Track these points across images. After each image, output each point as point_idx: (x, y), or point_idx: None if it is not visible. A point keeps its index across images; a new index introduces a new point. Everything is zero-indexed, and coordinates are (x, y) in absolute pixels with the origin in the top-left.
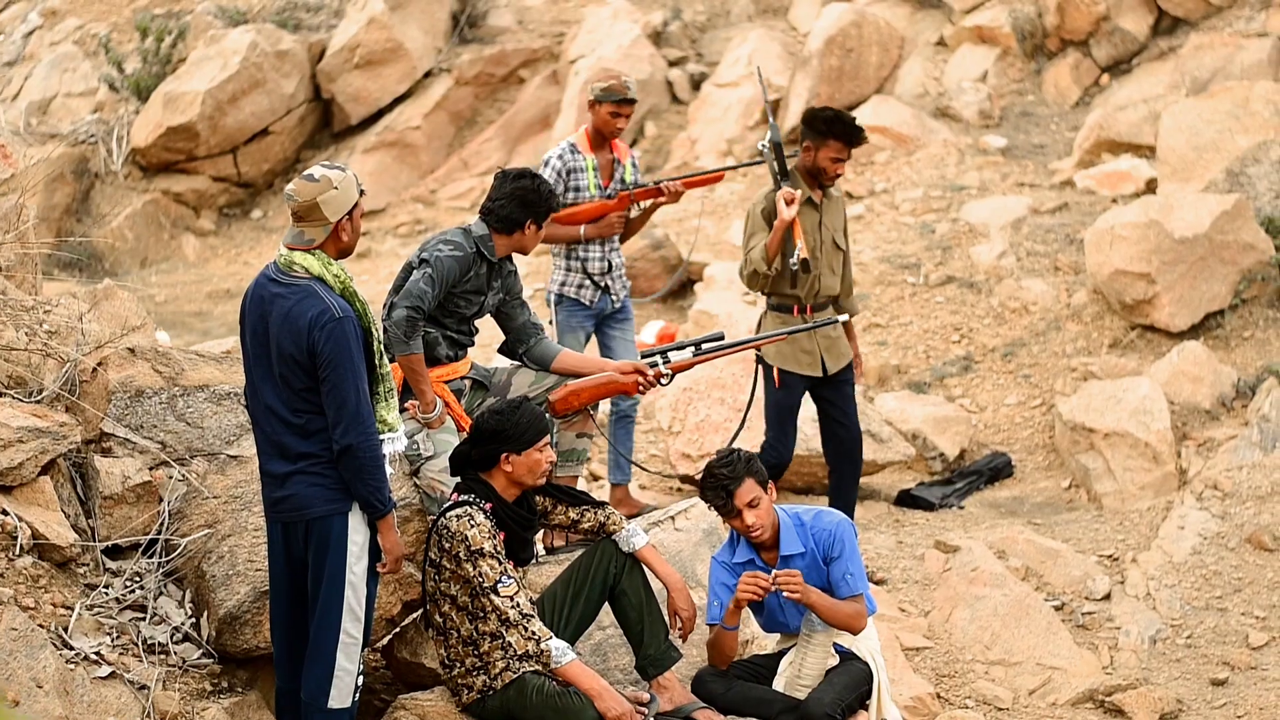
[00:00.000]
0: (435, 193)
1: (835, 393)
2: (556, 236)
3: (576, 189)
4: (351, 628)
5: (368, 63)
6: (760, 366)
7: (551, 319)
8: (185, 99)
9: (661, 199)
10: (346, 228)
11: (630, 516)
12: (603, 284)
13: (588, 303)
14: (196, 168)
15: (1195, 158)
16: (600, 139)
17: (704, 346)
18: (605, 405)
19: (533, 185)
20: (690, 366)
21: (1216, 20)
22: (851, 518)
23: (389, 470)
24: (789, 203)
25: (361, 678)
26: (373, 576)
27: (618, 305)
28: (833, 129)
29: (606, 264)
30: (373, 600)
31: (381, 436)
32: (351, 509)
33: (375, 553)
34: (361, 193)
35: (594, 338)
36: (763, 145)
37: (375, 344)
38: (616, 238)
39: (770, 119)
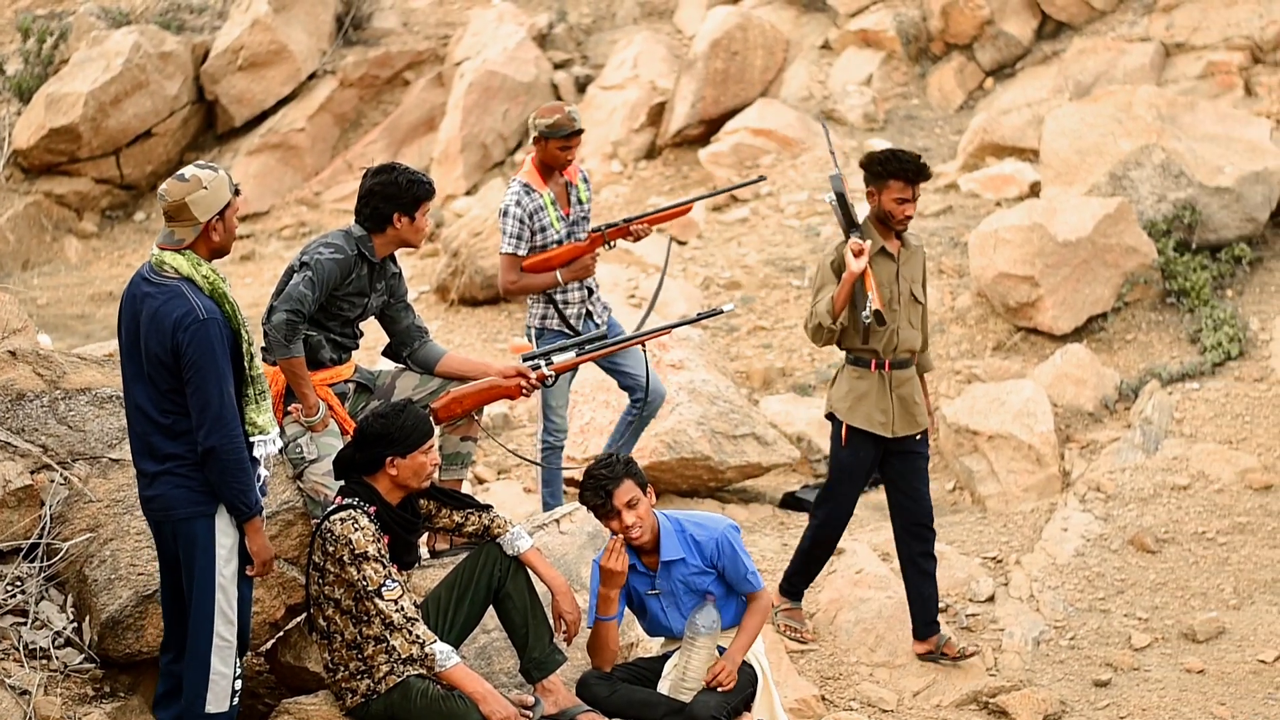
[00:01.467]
0: (319, 195)
1: (905, 464)
2: (535, 286)
3: (543, 229)
4: (224, 631)
5: (251, 64)
6: (831, 423)
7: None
8: (67, 100)
9: (630, 239)
10: (218, 228)
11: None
12: (583, 311)
13: (569, 333)
14: (79, 169)
15: (1078, 161)
16: (548, 170)
17: (587, 347)
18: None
19: (391, 178)
20: (574, 367)
21: (1100, 25)
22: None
23: (264, 473)
24: (857, 254)
25: (240, 681)
26: (244, 579)
27: (602, 328)
28: (888, 168)
29: (585, 290)
30: (247, 603)
31: (251, 439)
32: (218, 511)
33: (246, 555)
34: (236, 193)
35: (595, 365)
36: (829, 198)
37: (245, 346)
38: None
39: (834, 168)
